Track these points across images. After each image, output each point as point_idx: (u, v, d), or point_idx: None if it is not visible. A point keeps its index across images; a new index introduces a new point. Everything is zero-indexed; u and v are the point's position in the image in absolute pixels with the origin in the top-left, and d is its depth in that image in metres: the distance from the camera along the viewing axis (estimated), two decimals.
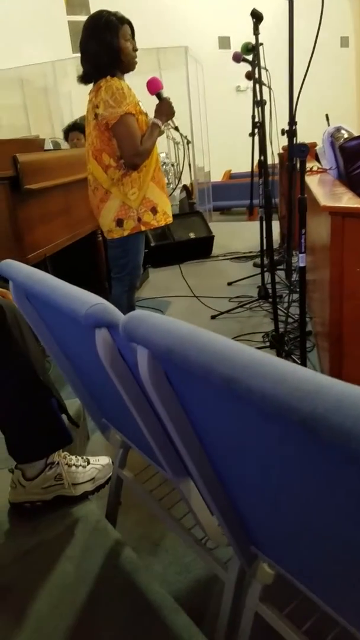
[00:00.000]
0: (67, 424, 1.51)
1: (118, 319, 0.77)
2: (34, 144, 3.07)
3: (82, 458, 1.50)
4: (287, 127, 2.24)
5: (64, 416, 1.43)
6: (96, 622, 1.09)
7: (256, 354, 0.51)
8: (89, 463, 1.49)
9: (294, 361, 2.51)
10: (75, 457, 1.48)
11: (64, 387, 2.19)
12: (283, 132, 2.28)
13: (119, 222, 2.27)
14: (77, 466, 1.45)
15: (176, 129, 2.58)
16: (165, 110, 2.31)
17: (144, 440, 0.92)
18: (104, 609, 1.12)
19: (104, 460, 1.53)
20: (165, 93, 2.34)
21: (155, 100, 2.33)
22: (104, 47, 2.13)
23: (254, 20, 2.80)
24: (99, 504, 1.48)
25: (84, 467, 1.46)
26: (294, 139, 2.24)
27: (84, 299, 0.82)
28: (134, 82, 2.35)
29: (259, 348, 2.77)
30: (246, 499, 0.79)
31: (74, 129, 3.76)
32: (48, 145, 3.85)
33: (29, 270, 1.04)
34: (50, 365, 2.11)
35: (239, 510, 0.84)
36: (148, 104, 2.35)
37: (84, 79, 2.24)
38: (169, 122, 2.39)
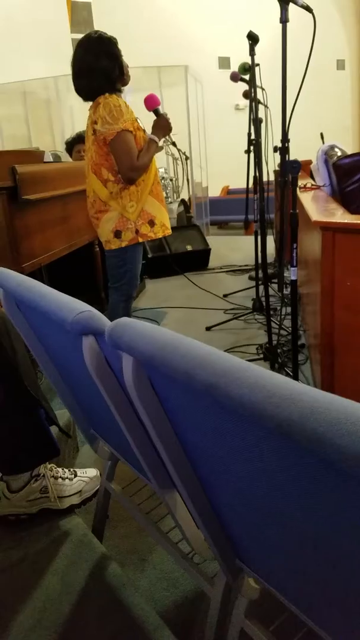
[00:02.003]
0: (58, 435, 1.49)
1: (105, 326, 0.76)
2: (33, 156, 3.08)
3: (69, 470, 1.47)
4: (280, 145, 2.28)
5: (54, 428, 1.42)
6: (80, 637, 1.07)
7: (235, 360, 0.51)
8: (75, 475, 1.46)
9: (287, 373, 2.51)
10: (62, 469, 1.46)
11: (55, 399, 2.19)
12: (275, 149, 2.32)
13: (117, 234, 2.30)
14: (63, 478, 1.42)
15: (173, 144, 2.61)
16: (162, 126, 2.36)
17: (131, 451, 0.92)
18: (87, 624, 1.10)
19: (92, 472, 1.51)
20: (165, 110, 2.37)
21: (153, 117, 2.36)
22: (102, 70, 2.19)
23: (250, 42, 2.90)
24: (86, 518, 1.46)
25: (71, 479, 1.44)
26: (287, 155, 2.27)
27: (72, 307, 0.82)
28: (135, 98, 2.38)
29: (253, 360, 2.77)
30: (230, 509, 0.78)
31: (79, 141, 3.79)
32: (48, 157, 3.87)
33: (20, 278, 1.04)
34: (42, 376, 2.10)
35: (223, 521, 0.83)
36: (146, 121, 2.38)
37: (86, 97, 2.30)
38: (167, 137, 2.42)
